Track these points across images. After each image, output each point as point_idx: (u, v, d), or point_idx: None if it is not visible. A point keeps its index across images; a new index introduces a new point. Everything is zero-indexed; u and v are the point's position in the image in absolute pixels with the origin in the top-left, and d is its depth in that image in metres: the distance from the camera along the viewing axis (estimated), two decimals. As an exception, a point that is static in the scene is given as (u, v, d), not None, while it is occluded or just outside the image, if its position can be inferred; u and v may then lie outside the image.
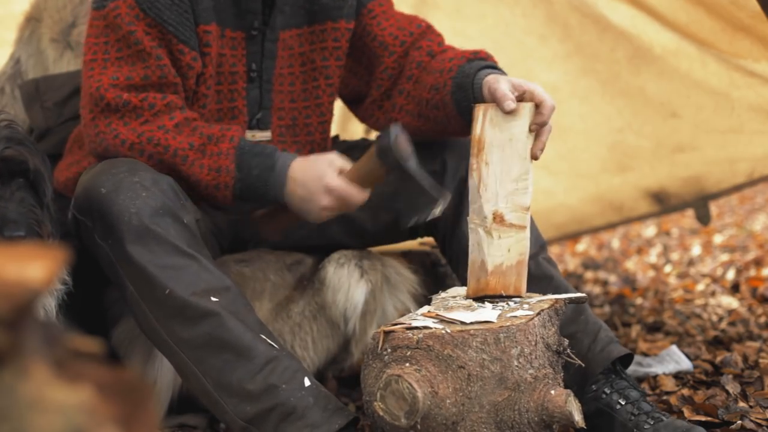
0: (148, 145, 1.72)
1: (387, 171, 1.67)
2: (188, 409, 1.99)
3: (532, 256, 1.72)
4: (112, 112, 1.73)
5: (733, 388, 2.03)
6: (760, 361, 2.25)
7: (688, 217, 5.47)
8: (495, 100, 1.65)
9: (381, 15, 1.98)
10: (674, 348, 2.38)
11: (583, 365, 1.66)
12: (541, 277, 1.82)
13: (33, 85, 2.25)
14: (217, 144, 1.73)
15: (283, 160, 1.74)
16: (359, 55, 2.00)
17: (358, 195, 1.71)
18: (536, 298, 1.63)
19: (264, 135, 1.93)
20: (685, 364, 2.29)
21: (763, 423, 1.84)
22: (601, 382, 1.77)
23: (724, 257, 4.38)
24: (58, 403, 0.56)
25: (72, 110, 2.18)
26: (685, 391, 2.05)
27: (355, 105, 2.08)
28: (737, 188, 3.20)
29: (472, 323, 1.47)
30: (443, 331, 1.45)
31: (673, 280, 3.96)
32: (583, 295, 1.68)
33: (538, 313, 1.51)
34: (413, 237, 2.06)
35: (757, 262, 3.99)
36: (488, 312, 1.53)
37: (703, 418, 1.87)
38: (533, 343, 1.47)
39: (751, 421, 1.84)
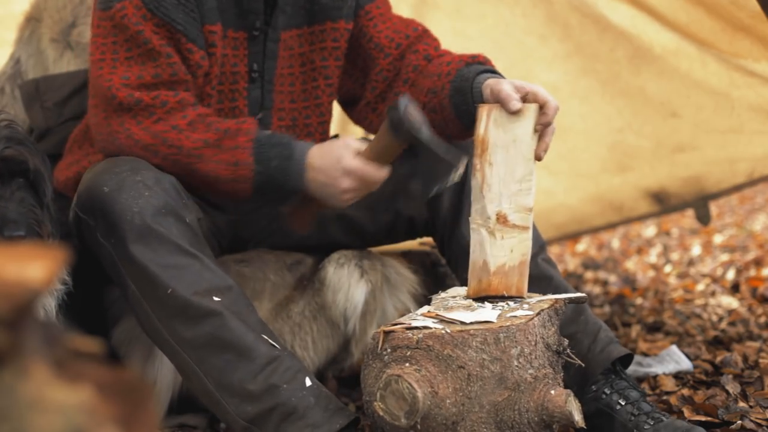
0: (163, 146, 1.71)
1: (401, 143, 1.66)
2: (188, 409, 1.99)
3: (532, 257, 1.72)
4: (124, 111, 1.72)
5: (733, 388, 2.03)
6: (760, 361, 2.25)
7: (688, 217, 5.47)
8: (500, 101, 1.65)
9: (378, 17, 1.98)
10: (674, 348, 2.38)
11: (583, 365, 1.66)
12: (540, 278, 1.82)
13: (33, 85, 2.25)
14: (234, 138, 1.72)
15: (300, 149, 1.72)
16: (354, 57, 2.00)
17: (377, 173, 1.69)
18: (536, 298, 1.63)
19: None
20: (685, 364, 2.29)
21: (763, 423, 1.84)
22: (601, 382, 1.77)
23: (724, 257, 4.38)
24: (58, 403, 0.56)
25: (72, 110, 2.18)
26: (685, 391, 2.05)
27: (349, 107, 2.08)
28: (737, 188, 3.20)
29: (472, 323, 1.47)
30: (443, 331, 1.45)
31: (673, 280, 3.96)
32: (583, 295, 1.69)
33: (538, 313, 1.51)
34: (413, 237, 2.06)
35: (757, 262, 3.99)
36: (488, 312, 1.53)
37: (703, 418, 1.87)
38: (533, 343, 1.47)
39: (751, 421, 1.84)
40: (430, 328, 1.47)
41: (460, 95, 1.77)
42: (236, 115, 1.90)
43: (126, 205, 1.61)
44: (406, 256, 2.27)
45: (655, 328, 2.87)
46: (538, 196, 1.71)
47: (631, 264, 4.64)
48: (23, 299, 0.56)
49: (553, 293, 1.68)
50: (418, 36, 1.95)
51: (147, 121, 1.72)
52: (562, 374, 1.55)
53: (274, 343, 1.64)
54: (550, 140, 1.66)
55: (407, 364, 1.45)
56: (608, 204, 3.42)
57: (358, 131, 2.89)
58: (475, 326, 1.46)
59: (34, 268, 0.56)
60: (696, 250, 4.79)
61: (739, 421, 1.84)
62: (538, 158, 1.65)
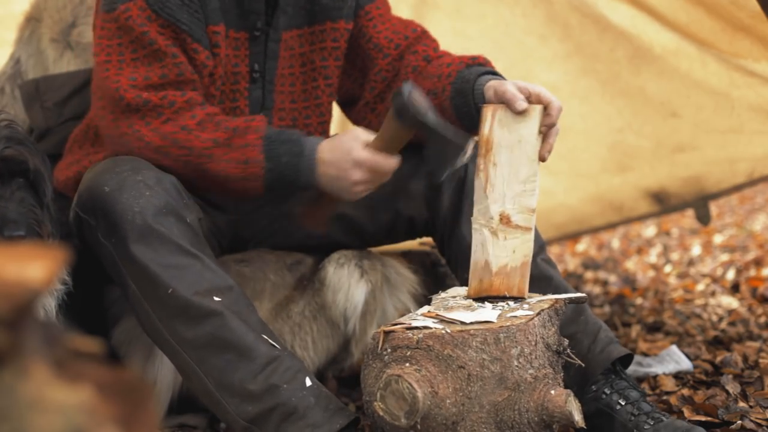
0: (173, 147, 1.71)
1: (408, 130, 1.65)
2: (188, 409, 1.99)
3: (532, 257, 1.72)
4: (132, 112, 1.71)
5: (733, 388, 2.03)
6: (760, 361, 2.25)
7: (688, 217, 5.47)
8: (505, 101, 1.64)
9: (377, 18, 1.98)
10: (674, 348, 2.38)
11: (583, 365, 1.66)
12: (540, 278, 1.82)
13: (33, 85, 2.25)
14: (243, 136, 1.71)
15: (310, 144, 1.72)
16: (354, 57, 2.00)
17: (388, 162, 1.69)
18: (536, 298, 1.63)
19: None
20: (685, 364, 2.29)
21: (763, 423, 1.84)
22: (601, 382, 1.77)
23: (724, 257, 4.38)
24: (58, 403, 0.56)
25: (72, 110, 2.18)
26: (685, 391, 2.05)
27: (348, 107, 2.08)
28: (737, 188, 3.20)
29: (472, 323, 1.47)
30: (443, 331, 1.45)
31: (673, 280, 3.96)
32: (583, 295, 1.68)
33: (538, 313, 1.51)
34: (413, 237, 2.06)
35: (757, 262, 3.99)
36: (488, 312, 1.53)
37: (703, 418, 1.87)
38: (533, 343, 1.47)
39: (751, 421, 1.84)
40: (430, 328, 1.47)
41: (461, 97, 1.76)
42: (237, 116, 1.90)
43: (127, 205, 1.61)
44: (406, 256, 2.27)
45: (655, 328, 2.87)
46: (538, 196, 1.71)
47: (631, 264, 4.64)
48: (23, 299, 0.56)
49: (553, 293, 1.68)
50: (417, 37, 1.95)
51: (156, 121, 1.71)
52: (562, 374, 1.55)
53: (274, 343, 1.64)
54: (554, 141, 1.65)
55: (407, 364, 1.45)
56: (608, 204, 3.42)
57: (358, 131, 2.89)
58: (475, 326, 1.46)
59: (34, 268, 0.56)
60: (696, 250, 4.79)
61: (739, 421, 1.84)
62: (542, 159, 1.64)
